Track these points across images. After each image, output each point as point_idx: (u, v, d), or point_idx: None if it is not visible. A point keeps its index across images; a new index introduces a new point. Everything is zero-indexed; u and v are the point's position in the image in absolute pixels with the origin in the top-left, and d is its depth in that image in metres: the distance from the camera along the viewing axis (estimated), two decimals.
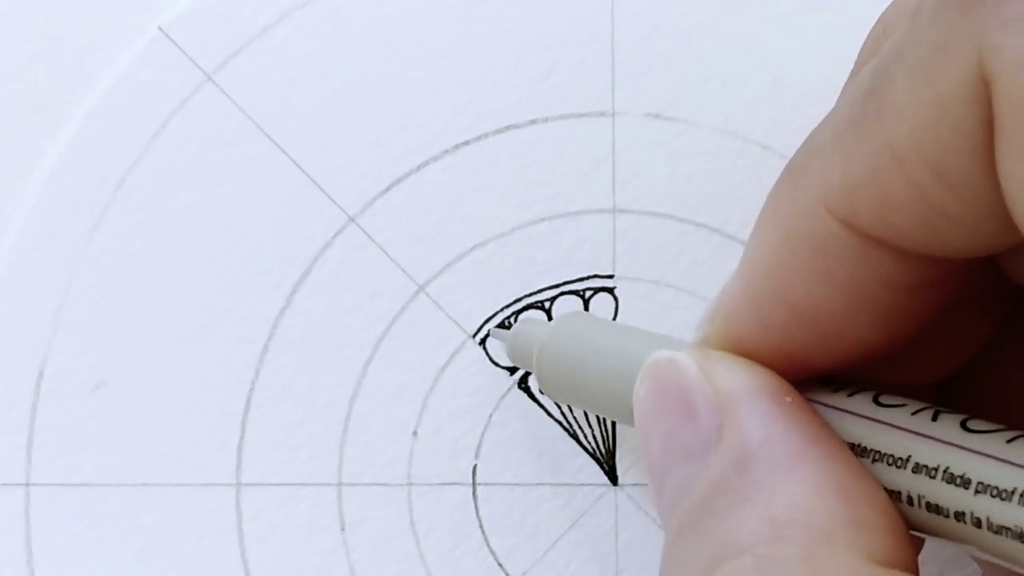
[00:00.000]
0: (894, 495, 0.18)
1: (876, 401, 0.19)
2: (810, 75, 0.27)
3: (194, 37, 0.28)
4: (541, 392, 0.26)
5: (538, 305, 0.27)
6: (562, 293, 0.27)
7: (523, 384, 0.27)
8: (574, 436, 0.27)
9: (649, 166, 0.27)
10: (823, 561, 0.17)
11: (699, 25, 0.28)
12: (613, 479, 0.27)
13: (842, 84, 0.27)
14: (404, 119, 0.27)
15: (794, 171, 0.19)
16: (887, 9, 0.21)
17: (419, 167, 0.27)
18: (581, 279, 0.27)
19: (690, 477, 0.19)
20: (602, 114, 0.28)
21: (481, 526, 0.27)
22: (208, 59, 0.27)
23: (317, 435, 0.27)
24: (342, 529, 0.27)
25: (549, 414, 0.27)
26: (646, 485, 0.27)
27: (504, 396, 0.27)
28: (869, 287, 0.18)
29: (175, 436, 0.27)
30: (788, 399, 0.19)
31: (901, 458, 0.18)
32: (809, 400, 0.19)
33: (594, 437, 0.27)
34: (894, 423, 0.18)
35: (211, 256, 0.27)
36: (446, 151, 0.27)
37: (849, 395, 0.19)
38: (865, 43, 0.22)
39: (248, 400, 0.27)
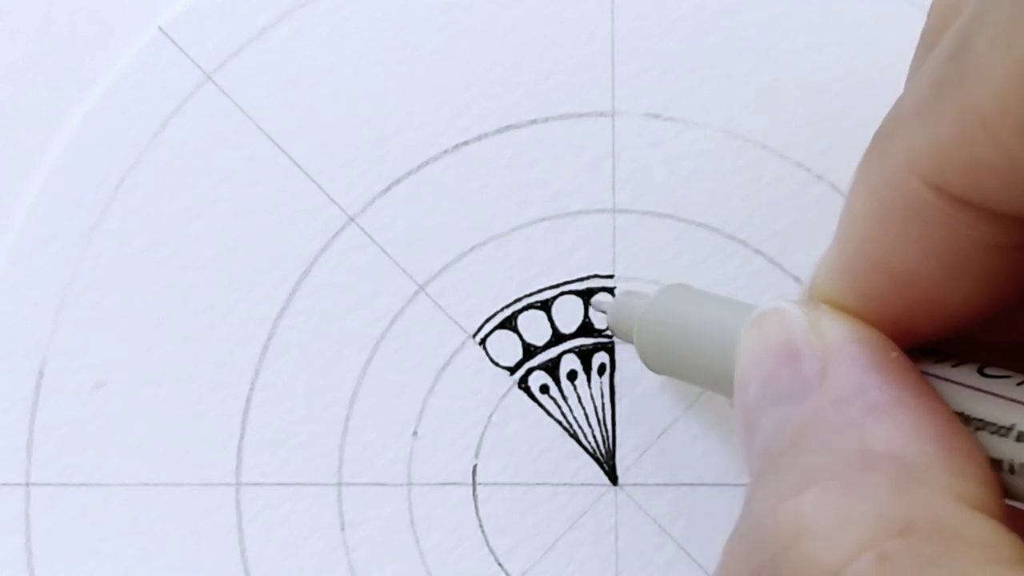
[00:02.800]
0: (996, 464, 0.18)
1: (981, 372, 0.19)
2: (810, 75, 0.27)
3: (194, 37, 0.28)
4: (647, 367, 0.25)
5: (538, 305, 0.27)
6: (562, 293, 0.27)
7: (523, 384, 0.27)
8: (574, 436, 0.27)
9: (649, 166, 0.27)
10: (912, 493, 0.17)
11: (699, 25, 0.28)
12: (613, 479, 0.27)
13: (842, 84, 0.27)
14: (404, 119, 0.27)
15: (882, 139, 0.19)
16: None
17: (419, 167, 0.27)
18: (581, 279, 0.27)
19: (784, 419, 0.19)
20: (602, 114, 0.28)
21: (481, 526, 0.27)
22: (208, 59, 0.27)
23: (317, 435, 0.27)
24: (342, 529, 0.27)
25: (549, 414, 0.27)
26: (646, 485, 0.27)
27: (504, 396, 0.27)
28: (964, 250, 0.18)
29: (175, 436, 0.27)
30: (893, 354, 0.19)
31: (1005, 427, 0.18)
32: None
33: (594, 437, 0.27)
34: (999, 393, 0.18)
35: (211, 256, 0.27)
36: (446, 151, 0.27)
37: (954, 366, 0.19)
38: (932, 6, 0.22)
39: (248, 400, 0.27)
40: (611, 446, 0.27)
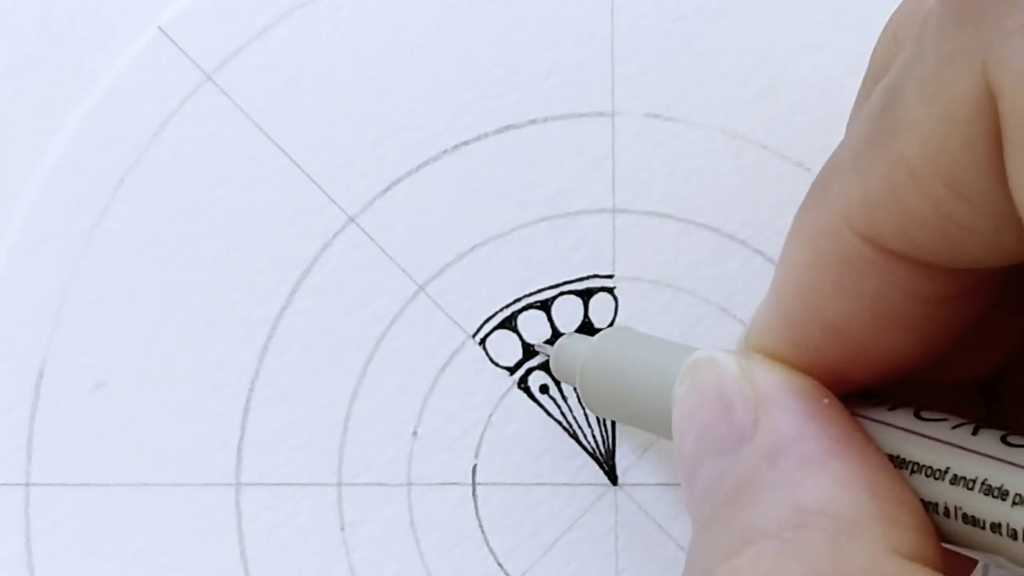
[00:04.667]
0: (931, 506, 0.18)
1: (917, 415, 0.19)
2: (810, 75, 0.27)
3: (194, 37, 0.28)
4: (585, 407, 0.26)
5: (538, 305, 0.27)
6: (562, 293, 0.27)
7: (523, 384, 0.27)
8: (574, 436, 0.27)
9: (649, 166, 0.27)
10: (846, 548, 0.17)
11: (699, 25, 0.28)
12: (613, 479, 0.27)
13: (842, 84, 0.27)
14: (404, 119, 0.27)
15: (818, 189, 0.19)
16: (894, 14, 0.21)
17: (419, 167, 0.27)
18: (581, 279, 0.27)
19: (721, 471, 0.19)
20: (602, 114, 0.28)
21: (481, 526, 0.27)
22: (208, 59, 0.27)
23: (317, 435, 0.27)
24: (342, 529, 0.27)
25: (549, 414, 0.27)
26: (646, 485, 0.27)
27: (504, 396, 0.27)
28: (897, 301, 0.18)
29: (175, 436, 0.27)
30: (825, 401, 0.19)
31: (940, 470, 0.18)
32: (850, 412, 0.19)
33: (594, 437, 0.27)
34: (934, 436, 0.18)
35: (211, 256, 0.27)
36: (446, 151, 0.27)
37: (890, 409, 0.19)
38: (875, 50, 0.22)
39: (248, 400, 0.27)
40: (611, 446, 0.27)
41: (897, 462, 0.19)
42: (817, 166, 0.27)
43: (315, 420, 0.27)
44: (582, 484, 0.27)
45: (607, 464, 0.27)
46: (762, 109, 0.27)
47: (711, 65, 0.28)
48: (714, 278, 0.27)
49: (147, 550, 0.27)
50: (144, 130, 0.27)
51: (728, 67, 0.27)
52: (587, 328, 0.27)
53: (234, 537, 0.27)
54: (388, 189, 0.27)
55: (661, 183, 0.27)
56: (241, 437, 0.27)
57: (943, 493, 0.18)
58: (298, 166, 0.27)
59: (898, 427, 0.19)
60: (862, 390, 0.20)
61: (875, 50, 0.22)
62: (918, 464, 0.18)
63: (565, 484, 0.27)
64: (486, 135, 0.28)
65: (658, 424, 0.22)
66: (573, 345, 0.26)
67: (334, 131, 0.27)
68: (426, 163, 0.27)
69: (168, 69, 0.27)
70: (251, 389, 0.27)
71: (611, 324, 0.27)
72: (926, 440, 0.18)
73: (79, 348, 0.27)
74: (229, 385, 0.27)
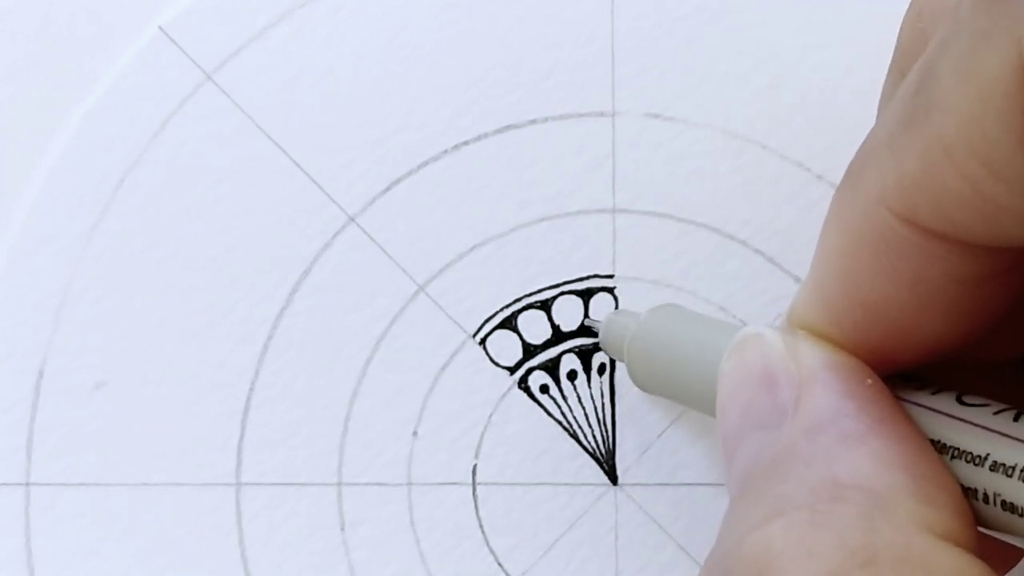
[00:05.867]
0: (970, 492, 0.18)
1: (959, 400, 0.19)
2: (810, 75, 0.27)
3: (194, 37, 0.28)
4: (636, 385, 0.26)
5: (538, 305, 0.27)
6: (562, 293, 0.27)
7: (523, 384, 0.27)
8: (574, 436, 0.27)
9: (649, 166, 0.27)
10: (880, 523, 0.17)
11: (699, 25, 0.28)
12: (613, 479, 0.27)
13: (842, 84, 0.27)
14: (404, 119, 0.27)
15: (853, 172, 0.19)
16: None
17: (419, 167, 0.27)
18: (581, 279, 0.27)
19: (762, 446, 0.19)
20: (602, 114, 0.28)
21: (481, 526, 0.27)
22: (208, 59, 0.27)
23: (317, 435, 0.27)
24: (342, 529, 0.27)
25: (549, 414, 0.27)
26: (646, 485, 0.27)
27: (504, 396, 0.27)
28: (937, 282, 0.18)
29: (175, 436, 0.27)
30: (869, 381, 0.19)
31: (980, 456, 0.18)
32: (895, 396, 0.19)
33: (594, 437, 0.27)
34: (975, 421, 0.18)
35: (211, 256, 0.27)
36: (446, 151, 0.27)
37: (933, 393, 0.19)
38: (901, 31, 0.22)
39: (248, 400, 0.27)
40: (611, 446, 0.27)
41: (938, 447, 0.19)
42: (817, 166, 0.27)
43: (315, 420, 0.27)
44: (582, 484, 0.27)
45: (607, 464, 0.27)
46: (762, 109, 0.27)
47: (711, 65, 0.28)
48: (714, 278, 0.27)
49: (147, 550, 0.27)
50: (144, 130, 0.27)
51: (728, 67, 0.27)
52: (587, 329, 0.27)
53: (234, 537, 0.27)
54: (388, 189, 0.27)
55: (661, 183, 0.27)
56: (241, 437, 0.27)
57: (983, 479, 0.18)
58: (298, 166, 0.27)
59: (940, 411, 0.19)
60: (906, 372, 0.20)
61: (901, 31, 0.22)
62: (958, 449, 0.18)
63: (565, 484, 0.27)
64: (486, 135, 0.28)
65: (704, 401, 0.22)
66: (622, 320, 0.26)
67: (334, 131, 0.27)
68: (426, 163, 0.27)
69: (168, 69, 0.27)
70: (251, 389, 0.27)
71: None
72: (967, 425, 0.18)
73: (79, 348, 0.27)
74: (229, 385, 0.27)
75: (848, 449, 0.18)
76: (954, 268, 0.18)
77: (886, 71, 0.22)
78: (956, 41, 0.17)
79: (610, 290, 0.27)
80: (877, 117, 0.20)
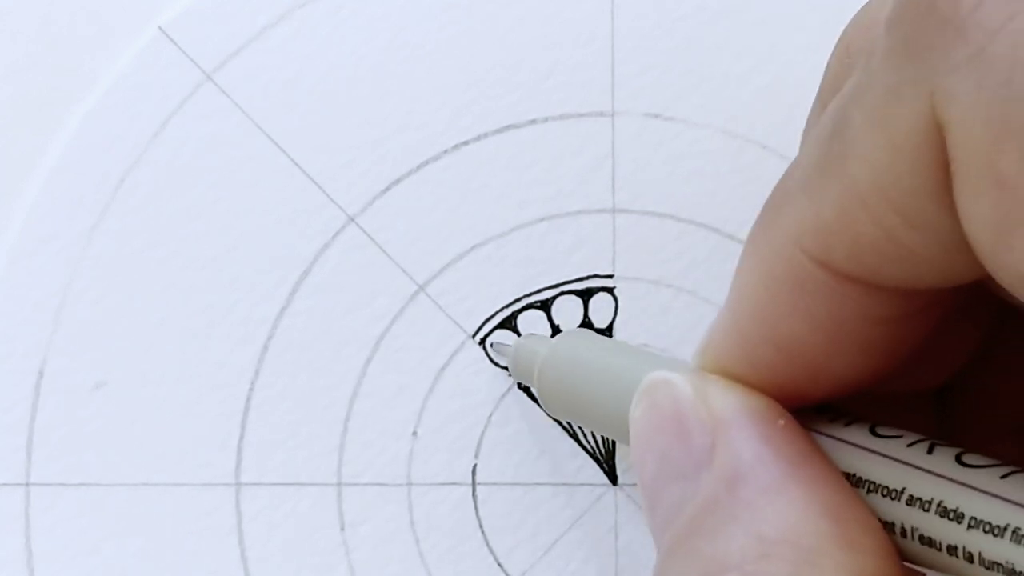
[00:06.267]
0: (888, 526, 0.18)
1: (873, 431, 0.19)
2: (810, 75, 0.27)
3: (194, 37, 0.28)
4: (546, 412, 0.26)
5: (538, 305, 0.27)
6: (562, 293, 0.27)
7: (523, 384, 0.27)
8: (574, 436, 0.27)
9: (649, 166, 0.27)
10: None
11: (699, 25, 0.28)
12: (613, 479, 0.27)
13: None
14: (404, 119, 0.27)
15: (771, 210, 0.19)
16: (848, 27, 0.21)
17: (419, 167, 0.27)
18: (581, 279, 0.27)
19: (682, 497, 0.19)
20: (602, 114, 0.28)
21: (481, 526, 0.27)
22: (208, 59, 0.27)
23: (317, 435, 0.27)
24: (342, 529, 0.27)
25: (549, 414, 0.27)
26: None
27: (504, 396, 0.27)
28: (851, 322, 0.18)
29: (175, 436, 0.27)
30: (781, 422, 0.19)
31: (896, 490, 0.18)
32: (806, 429, 0.19)
33: (594, 437, 0.27)
34: (890, 454, 0.18)
35: (211, 256, 0.27)
36: (446, 151, 0.27)
37: (845, 424, 0.19)
38: (829, 63, 0.22)
39: (248, 400, 0.27)
40: (611, 446, 0.27)
41: (854, 480, 0.19)
42: None
43: (315, 420, 0.27)
44: (582, 484, 0.27)
45: (607, 464, 0.27)
46: (762, 109, 0.27)
47: (711, 65, 0.28)
48: (714, 278, 0.27)
49: (147, 550, 0.27)
50: (144, 130, 0.27)
51: (728, 67, 0.27)
52: (587, 328, 0.27)
53: (234, 537, 0.27)
54: (388, 189, 0.27)
55: (661, 183, 0.27)
56: (241, 437, 0.27)
57: (900, 513, 0.18)
58: (298, 166, 0.27)
59: (854, 444, 0.19)
60: (818, 404, 0.20)
61: (829, 63, 0.22)
62: (874, 483, 0.18)
63: (565, 484, 0.27)
64: (486, 135, 0.28)
65: (616, 431, 0.22)
66: (531, 346, 0.25)
67: (334, 131, 0.27)
68: (426, 163, 0.27)
69: (168, 69, 0.27)
70: (251, 389, 0.27)
71: (611, 324, 0.27)
72: (882, 458, 0.18)
73: (79, 348, 0.27)
74: (229, 385, 0.27)
75: (769, 501, 0.18)
76: (868, 309, 0.18)
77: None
78: (869, 91, 0.17)
79: (610, 290, 0.27)
80: (798, 153, 0.20)
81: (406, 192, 0.27)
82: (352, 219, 0.27)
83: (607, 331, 0.27)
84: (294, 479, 0.27)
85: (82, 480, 0.27)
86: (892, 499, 0.18)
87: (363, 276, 0.27)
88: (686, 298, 0.27)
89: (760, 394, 0.19)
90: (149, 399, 0.27)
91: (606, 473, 0.27)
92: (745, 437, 0.19)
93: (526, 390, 0.27)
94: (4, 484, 0.27)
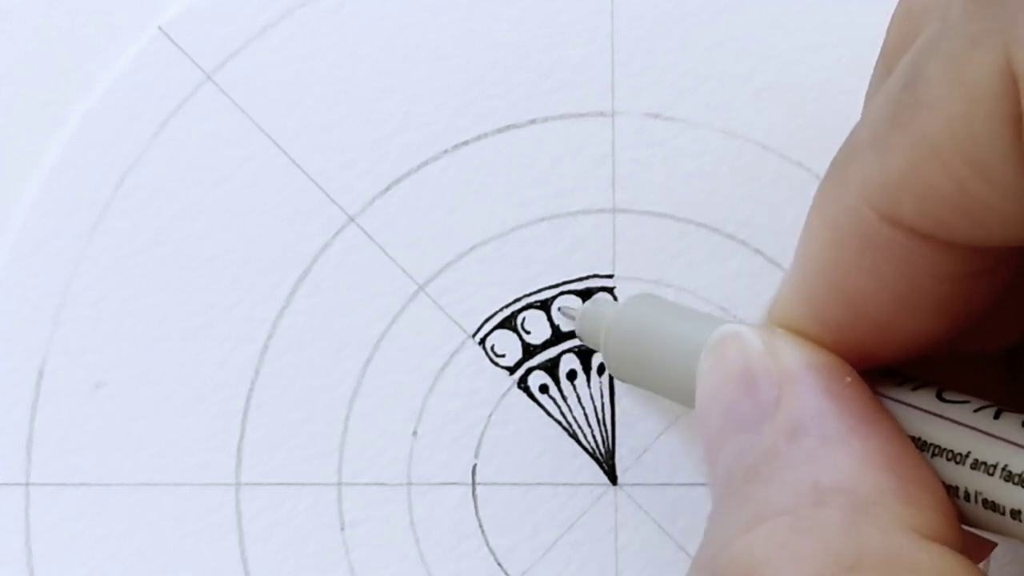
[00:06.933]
0: (952, 490, 0.18)
1: (939, 397, 0.19)
2: (810, 75, 0.27)
3: (194, 37, 0.28)
4: (609, 373, 0.26)
5: (538, 305, 0.27)
6: (562, 293, 0.27)
7: (523, 384, 0.27)
8: (574, 436, 0.27)
9: (649, 166, 0.27)
10: (863, 527, 0.17)
11: (699, 25, 0.28)
12: (613, 479, 0.27)
13: (842, 84, 0.27)
14: (404, 119, 0.27)
15: (838, 167, 0.19)
16: None
17: (419, 167, 0.27)
18: (581, 279, 0.27)
19: (743, 449, 0.19)
20: (602, 114, 0.28)
21: (481, 526, 0.27)
22: (208, 59, 0.27)
23: (317, 435, 0.27)
24: (342, 529, 0.27)
25: (549, 414, 0.27)
26: (646, 485, 0.27)
27: (504, 396, 0.27)
28: (919, 280, 0.18)
29: (175, 436, 0.27)
30: (848, 379, 0.19)
31: (961, 454, 0.18)
32: (873, 390, 0.19)
33: (594, 437, 0.27)
34: (956, 419, 0.18)
35: (211, 256, 0.27)
36: (446, 151, 0.27)
37: (913, 389, 0.19)
38: (890, 26, 0.22)
39: (248, 400, 0.27)
40: (611, 446, 0.27)
41: (919, 444, 0.19)
42: (817, 166, 0.27)
43: (315, 420, 0.27)
44: (582, 484, 0.27)
45: (607, 464, 0.27)
46: (762, 109, 0.27)
47: (711, 65, 0.28)
48: (714, 278, 0.27)
49: (147, 550, 0.27)
50: (144, 130, 0.27)
51: (728, 67, 0.27)
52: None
53: (234, 537, 0.27)
54: (388, 189, 0.27)
55: (661, 183, 0.27)
56: (241, 437, 0.27)
57: (964, 477, 0.18)
58: (298, 166, 0.27)
59: (920, 408, 0.19)
60: (886, 367, 0.20)
61: (889, 27, 0.22)
62: (939, 447, 0.18)
63: (565, 484, 0.27)
64: (486, 135, 0.28)
65: (680, 392, 0.22)
66: (598, 309, 0.26)
67: (334, 131, 0.27)
68: (426, 163, 0.27)
69: (168, 69, 0.27)
70: (251, 389, 0.27)
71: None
72: (948, 423, 0.18)
73: (79, 348, 0.27)
74: (229, 385, 0.27)
75: (829, 452, 0.18)
76: (937, 267, 0.18)
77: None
78: (946, 41, 0.17)
79: (610, 290, 0.27)
80: (862, 112, 0.20)
81: (406, 192, 0.27)
82: (352, 219, 0.27)
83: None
84: (294, 479, 0.27)
85: (82, 480, 0.27)
86: (957, 463, 0.18)
87: (363, 276, 0.27)
88: (686, 298, 0.27)
89: (828, 352, 0.19)
90: (149, 399, 0.27)
91: (606, 473, 0.27)
92: (810, 391, 0.19)
93: (526, 390, 0.27)
94: (4, 484, 0.27)
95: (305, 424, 0.27)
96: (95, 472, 0.27)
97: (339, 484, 0.27)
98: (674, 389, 0.23)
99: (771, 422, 0.19)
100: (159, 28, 0.28)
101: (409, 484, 0.27)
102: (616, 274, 0.27)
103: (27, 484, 0.27)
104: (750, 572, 0.17)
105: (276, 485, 0.27)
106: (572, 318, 0.27)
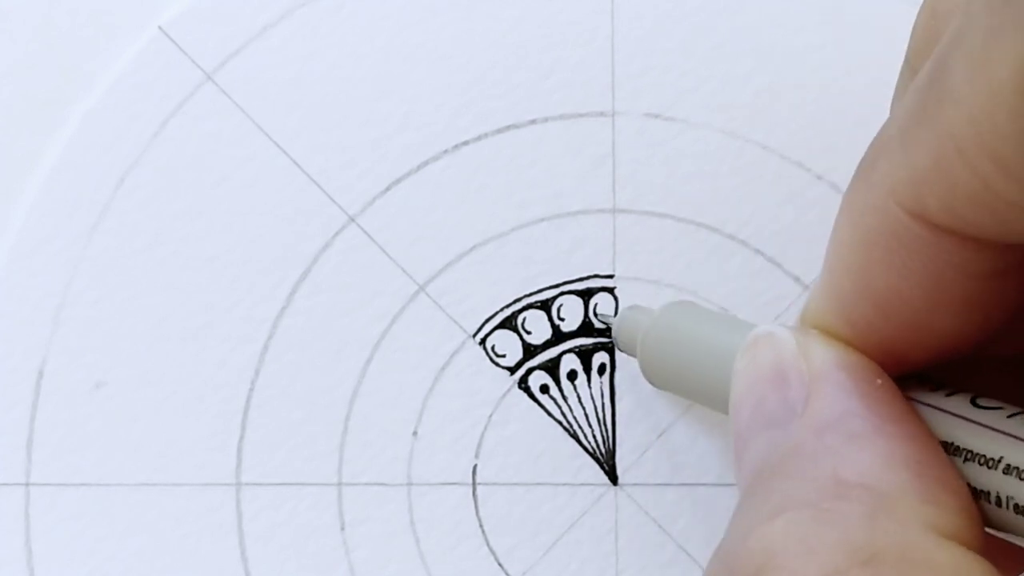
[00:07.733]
0: (984, 495, 0.18)
1: (973, 403, 0.19)
2: (810, 75, 0.27)
3: (194, 37, 0.28)
4: (648, 381, 0.26)
5: (538, 305, 0.27)
6: (562, 293, 0.27)
7: (523, 384, 0.27)
8: (574, 436, 0.27)
9: (649, 166, 0.27)
10: (883, 522, 0.17)
11: (699, 25, 0.28)
12: (613, 479, 0.27)
13: (842, 84, 0.27)
14: (404, 119, 0.27)
15: (865, 166, 0.19)
16: None
17: (419, 167, 0.27)
18: (581, 279, 0.27)
19: (771, 444, 0.19)
20: (602, 114, 0.28)
21: (481, 526, 0.27)
22: (208, 59, 0.27)
23: (317, 435, 0.27)
24: (342, 529, 0.27)
25: (549, 414, 0.27)
26: (646, 485, 0.27)
27: (504, 396, 0.27)
28: (947, 278, 0.18)
29: (175, 436, 0.27)
30: (879, 381, 0.19)
31: (993, 458, 0.18)
32: (906, 395, 0.20)
33: (594, 437, 0.27)
34: (989, 424, 0.19)
35: (211, 256, 0.27)
36: (446, 151, 0.27)
37: (947, 395, 0.19)
38: (915, 26, 0.22)
39: (248, 400, 0.27)
40: (611, 446, 0.27)
41: (951, 448, 0.19)
42: (817, 166, 0.27)
43: (315, 420, 0.27)
44: (582, 484, 0.27)
45: (607, 464, 0.27)
46: (762, 109, 0.27)
47: (711, 65, 0.28)
48: (714, 278, 0.27)
49: (147, 550, 0.27)
50: (144, 130, 0.27)
51: (728, 67, 0.28)
52: (587, 329, 0.27)
53: (234, 537, 0.27)
54: (388, 189, 0.27)
55: (661, 183, 0.27)
56: (241, 437, 0.27)
57: (996, 481, 0.18)
58: (298, 166, 0.27)
59: (953, 413, 0.19)
60: (921, 373, 0.20)
61: (914, 28, 0.22)
62: (971, 452, 0.18)
63: (565, 484, 0.27)
64: (486, 135, 0.28)
65: (716, 399, 0.22)
66: (635, 316, 0.26)
67: (334, 131, 0.27)
68: (426, 163, 0.27)
69: (168, 69, 0.27)
70: (251, 389, 0.27)
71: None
72: (981, 428, 0.19)
73: (79, 348, 0.27)
74: (229, 385, 0.27)
75: (854, 448, 0.18)
76: (965, 264, 0.18)
77: (887, 71, 0.22)
78: (968, 35, 0.17)
79: (610, 290, 0.27)
80: (890, 112, 0.20)
81: (406, 192, 0.27)
82: (352, 219, 0.27)
83: (606, 332, 0.27)
84: (294, 479, 0.27)
85: (82, 480, 0.27)
86: (989, 467, 0.18)
87: (363, 276, 0.27)
88: (686, 298, 0.27)
89: (860, 353, 0.20)
90: (149, 399, 0.27)
91: (606, 473, 0.27)
92: (840, 390, 0.19)
93: (526, 390, 0.27)
94: (4, 484, 0.27)
95: (305, 424, 0.27)
96: (95, 472, 0.27)
97: (339, 484, 0.27)
98: (710, 396, 0.23)
99: (799, 419, 0.19)
100: (159, 28, 0.28)
101: (409, 484, 0.27)
102: (616, 274, 0.27)
103: (27, 484, 0.27)
104: (767, 561, 0.17)
105: (276, 485, 0.27)
106: (607, 325, 0.27)
